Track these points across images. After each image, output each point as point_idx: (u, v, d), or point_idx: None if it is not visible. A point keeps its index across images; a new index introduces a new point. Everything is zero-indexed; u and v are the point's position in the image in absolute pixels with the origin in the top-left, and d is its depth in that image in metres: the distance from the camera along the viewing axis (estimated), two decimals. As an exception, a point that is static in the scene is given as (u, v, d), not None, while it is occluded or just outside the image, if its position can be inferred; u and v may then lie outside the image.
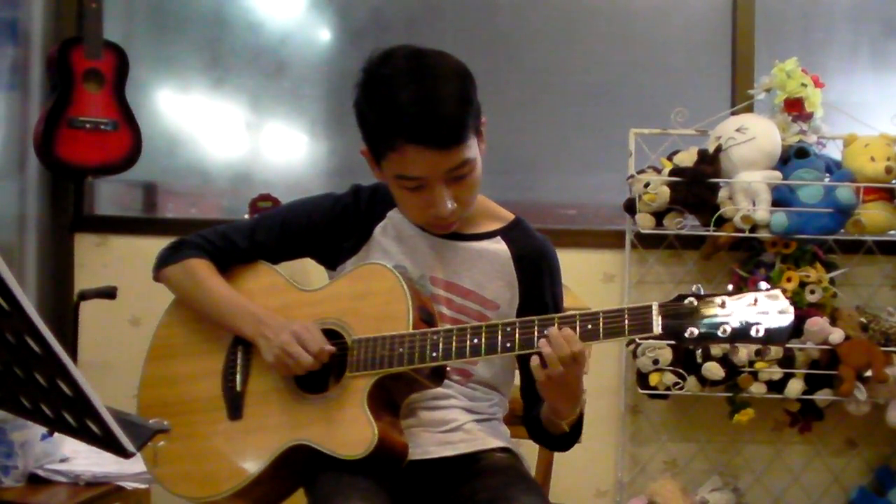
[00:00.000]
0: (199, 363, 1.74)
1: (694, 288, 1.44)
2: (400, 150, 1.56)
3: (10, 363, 1.05)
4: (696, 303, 1.43)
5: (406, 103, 1.54)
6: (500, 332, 1.53)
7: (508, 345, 1.53)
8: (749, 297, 1.41)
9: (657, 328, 1.43)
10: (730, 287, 1.45)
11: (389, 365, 1.57)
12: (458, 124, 1.55)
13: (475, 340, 1.54)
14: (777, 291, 1.41)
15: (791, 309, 1.39)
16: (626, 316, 1.46)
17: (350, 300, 1.66)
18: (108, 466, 2.22)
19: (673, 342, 1.45)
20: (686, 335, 1.42)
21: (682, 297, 1.44)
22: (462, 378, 1.73)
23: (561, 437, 1.69)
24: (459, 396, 1.72)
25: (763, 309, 1.39)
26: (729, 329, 1.40)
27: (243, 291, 1.74)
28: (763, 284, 1.42)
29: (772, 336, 1.39)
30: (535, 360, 1.50)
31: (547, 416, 1.66)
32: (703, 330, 1.41)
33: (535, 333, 1.51)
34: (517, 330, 1.52)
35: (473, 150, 1.61)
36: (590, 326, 1.48)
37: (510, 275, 1.74)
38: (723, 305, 1.41)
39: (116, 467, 2.22)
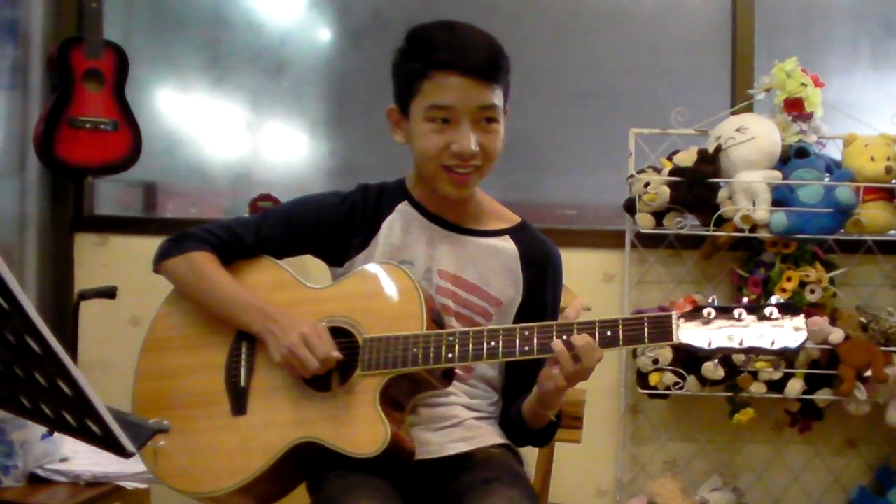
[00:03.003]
0: (200, 356, 1.74)
1: (710, 300, 1.49)
2: (435, 77, 1.62)
3: (10, 363, 1.05)
4: (713, 314, 1.46)
5: (443, 39, 1.64)
6: (518, 337, 1.54)
7: (526, 349, 1.54)
8: (765, 310, 1.45)
9: (677, 337, 1.46)
10: (745, 300, 1.49)
11: (403, 365, 1.57)
12: (493, 60, 1.64)
13: (492, 343, 1.55)
14: (791, 304, 1.45)
15: (805, 325, 1.44)
16: (646, 324, 1.49)
17: (360, 299, 1.66)
18: (108, 466, 2.22)
19: (689, 351, 1.49)
20: (704, 346, 1.46)
21: (699, 309, 1.47)
22: (464, 374, 1.74)
23: (545, 428, 1.71)
24: (460, 393, 1.73)
25: (778, 323, 1.44)
26: (745, 341, 1.44)
27: (248, 286, 1.74)
28: (775, 298, 1.47)
29: (786, 349, 1.44)
30: (555, 369, 1.52)
31: (533, 409, 1.67)
32: (720, 341, 1.46)
33: (554, 339, 1.52)
34: (535, 334, 1.53)
35: (501, 100, 1.67)
36: (609, 333, 1.51)
37: (516, 273, 1.75)
38: (739, 318, 1.46)
39: (116, 467, 2.22)
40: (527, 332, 1.54)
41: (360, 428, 1.57)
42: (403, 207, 1.76)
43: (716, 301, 1.48)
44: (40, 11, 3.03)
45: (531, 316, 1.74)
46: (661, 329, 1.48)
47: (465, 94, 1.62)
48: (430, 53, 1.63)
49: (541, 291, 1.77)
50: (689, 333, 1.46)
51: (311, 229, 1.78)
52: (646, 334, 1.48)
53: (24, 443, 2.15)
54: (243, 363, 1.70)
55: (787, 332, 1.43)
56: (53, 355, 0.98)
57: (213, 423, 1.69)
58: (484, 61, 1.63)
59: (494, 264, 1.75)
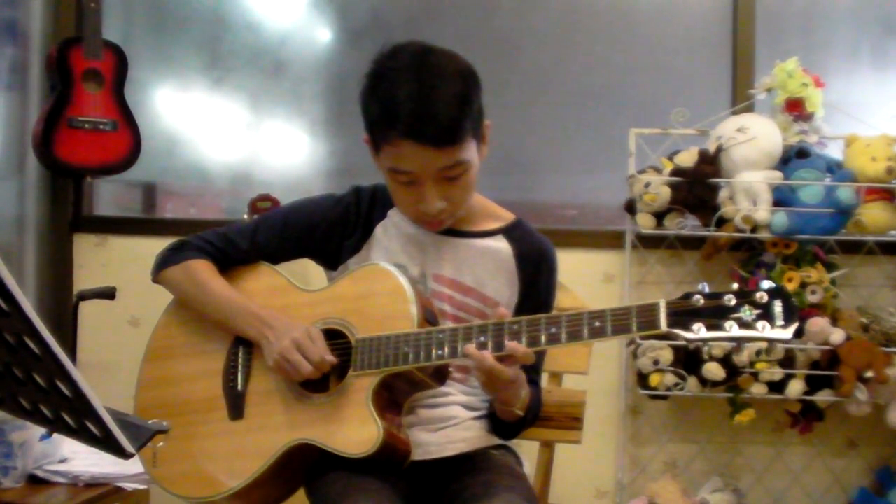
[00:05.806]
0: (199, 363, 1.75)
1: (700, 286, 1.45)
2: (395, 143, 1.58)
3: (9, 364, 1.04)
4: (702, 301, 1.43)
5: (405, 99, 1.56)
6: (506, 332, 1.53)
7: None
8: (755, 295, 1.41)
9: (664, 325, 1.43)
10: (735, 286, 1.45)
11: (395, 364, 1.57)
12: (455, 125, 1.57)
13: (482, 339, 1.54)
14: (782, 290, 1.41)
15: (796, 307, 1.40)
16: (634, 313, 1.46)
17: (353, 300, 1.66)
18: (107, 467, 2.22)
19: (678, 340, 1.45)
20: (692, 334, 1.42)
21: (688, 296, 1.44)
22: (462, 375, 1.73)
23: (514, 423, 1.70)
24: (459, 394, 1.73)
25: (769, 307, 1.40)
26: (734, 327, 1.40)
27: (245, 292, 1.74)
28: (767, 283, 1.42)
29: (777, 336, 1.39)
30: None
31: (497, 407, 1.68)
32: (708, 328, 1.42)
33: (543, 333, 1.51)
34: (524, 329, 1.52)
35: (469, 152, 1.61)
36: (597, 324, 1.48)
37: (511, 273, 1.75)
38: (729, 304, 1.42)
39: (115, 468, 2.22)
40: (515, 327, 1.53)
41: (352, 428, 1.57)
42: (395, 213, 1.76)
43: (706, 288, 1.44)
44: (39, 11, 3.03)
45: (527, 314, 1.73)
46: (648, 318, 1.44)
47: (427, 161, 1.58)
48: (391, 114, 1.57)
49: (536, 288, 1.76)
50: (677, 321, 1.42)
51: (305, 234, 1.78)
52: (633, 324, 1.45)
53: (23, 444, 2.15)
54: (240, 368, 1.71)
55: (778, 317, 1.39)
56: (53, 356, 0.98)
57: (211, 428, 1.69)
58: (447, 128, 1.56)
59: (490, 265, 1.74)
